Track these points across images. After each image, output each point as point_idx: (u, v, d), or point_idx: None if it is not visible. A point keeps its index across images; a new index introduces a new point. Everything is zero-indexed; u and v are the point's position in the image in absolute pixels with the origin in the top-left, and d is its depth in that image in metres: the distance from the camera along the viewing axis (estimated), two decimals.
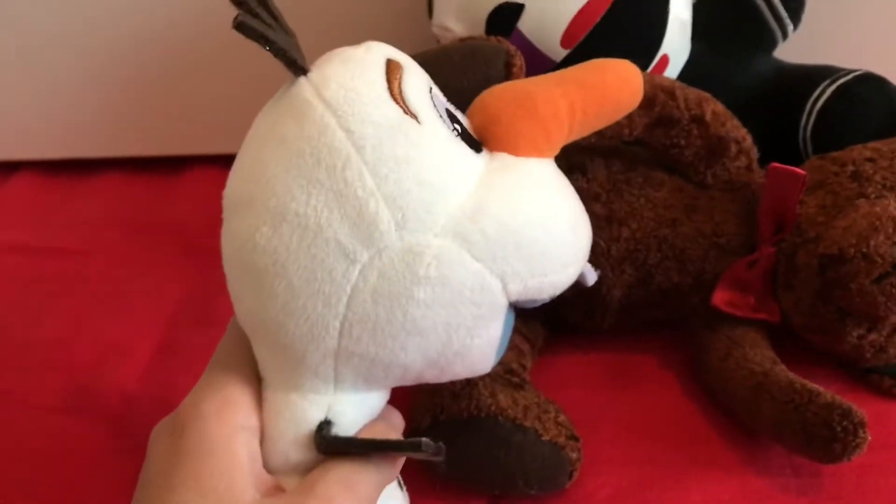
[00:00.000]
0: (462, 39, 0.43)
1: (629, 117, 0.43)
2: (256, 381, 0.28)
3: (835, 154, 0.46)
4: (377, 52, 0.26)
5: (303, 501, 0.25)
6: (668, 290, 0.46)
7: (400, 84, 0.25)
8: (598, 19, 0.47)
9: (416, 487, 0.41)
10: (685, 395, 0.47)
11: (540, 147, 0.28)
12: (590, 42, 0.47)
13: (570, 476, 0.40)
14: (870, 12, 0.61)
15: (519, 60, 0.41)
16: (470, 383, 0.41)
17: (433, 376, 0.28)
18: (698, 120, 0.45)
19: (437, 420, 0.40)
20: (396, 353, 0.26)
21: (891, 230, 0.39)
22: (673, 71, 0.52)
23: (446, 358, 0.27)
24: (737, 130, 0.46)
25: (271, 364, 0.27)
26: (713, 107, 0.45)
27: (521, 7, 0.47)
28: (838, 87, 0.51)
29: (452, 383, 0.41)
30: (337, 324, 0.25)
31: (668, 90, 0.44)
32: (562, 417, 0.41)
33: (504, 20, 0.47)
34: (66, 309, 0.56)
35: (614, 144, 0.47)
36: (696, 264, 0.46)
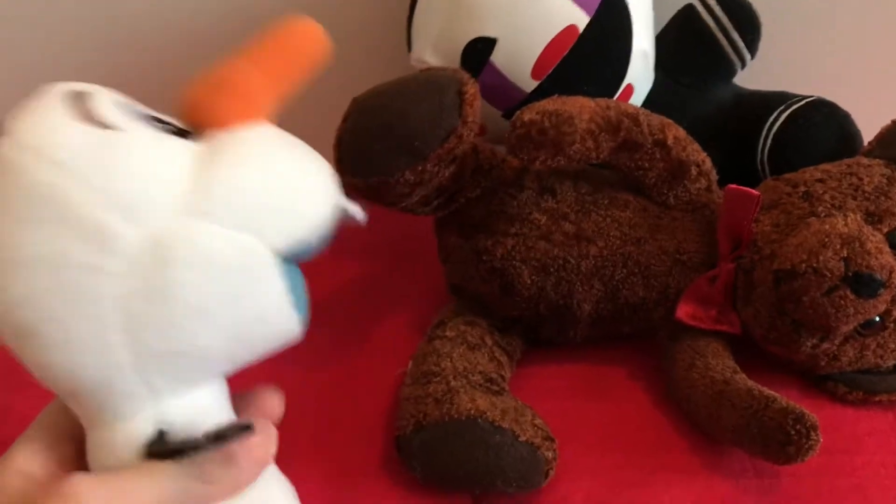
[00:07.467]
0: (422, 70, 0.44)
1: (595, 141, 0.45)
2: (65, 440, 0.29)
3: (788, 175, 0.49)
4: (54, 91, 0.26)
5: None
6: (634, 305, 0.48)
7: (88, 106, 0.25)
8: (566, 52, 0.49)
9: (400, 488, 0.43)
10: (653, 405, 0.49)
11: (245, 113, 0.28)
12: (559, 73, 0.49)
13: (546, 475, 0.42)
14: (823, 40, 0.64)
15: (472, 88, 0.42)
16: (451, 390, 0.43)
17: (246, 352, 0.28)
18: (661, 144, 0.47)
19: (420, 425, 0.42)
20: (192, 341, 0.26)
21: (838, 246, 0.42)
22: (637, 99, 0.55)
23: (245, 328, 0.27)
24: (697, 154, 0.48)
25: (85, 403, 0.27)
26: (675, 132, 0.48)
27: (493, 41, 0.49)
28: (791, 113, 0.53)
29: (434, 390, 0.44)
30: (118, 337, 0.25)
31: (633, 116, 0.46)
32: (538, 420, 0.43)
33: (477, 54, 0.49)
34: None
35: (582, 167, 0.50)
36: (661, 280, 0.48)
